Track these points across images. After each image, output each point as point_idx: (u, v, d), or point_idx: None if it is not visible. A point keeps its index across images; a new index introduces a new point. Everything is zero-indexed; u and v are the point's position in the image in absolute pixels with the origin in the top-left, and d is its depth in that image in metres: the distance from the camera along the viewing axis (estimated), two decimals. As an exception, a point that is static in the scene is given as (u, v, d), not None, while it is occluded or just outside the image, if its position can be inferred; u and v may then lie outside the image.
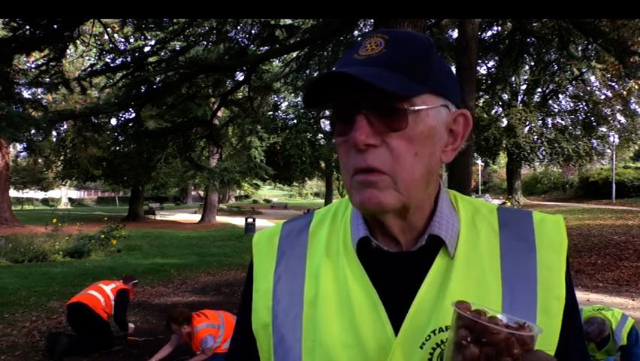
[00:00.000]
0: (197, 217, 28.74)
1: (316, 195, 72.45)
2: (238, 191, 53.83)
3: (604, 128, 28.43)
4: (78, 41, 8.72)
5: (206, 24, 10.35)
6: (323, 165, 32.25)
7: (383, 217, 0.70)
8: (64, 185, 40.14)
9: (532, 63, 16.01)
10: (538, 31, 10.87)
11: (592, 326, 3.76)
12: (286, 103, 32.32)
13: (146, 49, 12.37)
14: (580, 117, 28.71)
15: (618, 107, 26.75)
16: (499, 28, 15.05)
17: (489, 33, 15.51)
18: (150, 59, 9.83)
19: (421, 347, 0.66)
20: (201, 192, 40.22)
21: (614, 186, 26.31)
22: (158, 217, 30.67)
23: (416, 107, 0.66)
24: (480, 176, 51.71)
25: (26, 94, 11.50)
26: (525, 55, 10.89)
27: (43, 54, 8.52)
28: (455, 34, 12.49)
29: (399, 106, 0.65)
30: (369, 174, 0.66)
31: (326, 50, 9.88)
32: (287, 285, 0.75)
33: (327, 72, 0.65)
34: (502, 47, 11.24)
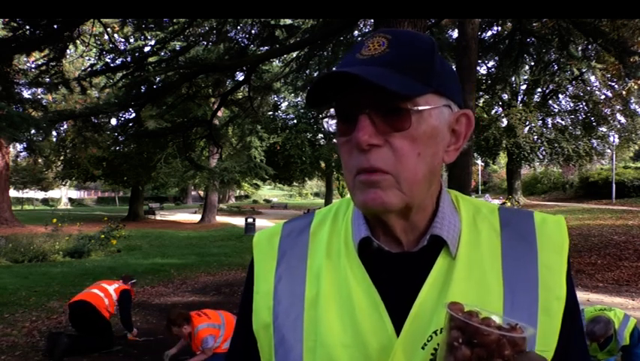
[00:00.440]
0: (197, 217, 28.74)
1: (316, 195, 72.44)
2: (238, 191, 53.83)
3: (604, 128, 28.43)
4: (78, 41, 8.71)
5: (206, 24, 10.34)
6: (323, 165, 32.23)
7: (386, 217, 0.70)
8: (64, 185, 40.14)
9: (532, 63, 16.02)
10: (538, 31, 10.87)
11: (598, 324, 3.76)
12: (286, 103, 32.31)
13: (146, 49, 12.37)
14: (580, 117, 28.71)
15: (618, 107, 26.75)
16: (499, 28, 15.05)
17: (489, 33, 15.50)
18: (150, 59, 9.83)
19: (423, 348, 0.66)
20: (201, 192, 40.23)
21: (614, 186, 26.31)
22: (158, 217, 30.67)
23: (419, 107, 0.66)
24: (480, 176, 51.71)
25: (26, 94, 11.50)
26: (525, 55, 10.89)
27: (43, 54, 8.51)
28: (455, 34, 12.49)
29: (402, 106, 0.65)
30: (372, 173, 0.66)
31: (326, 50, 9.88)
32: (288, 285, 0.75)
33: (330, 72, 0.64)
34: (502, 47, 11.23)
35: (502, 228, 0.74)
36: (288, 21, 10.64)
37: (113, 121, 14.17)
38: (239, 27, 10.18)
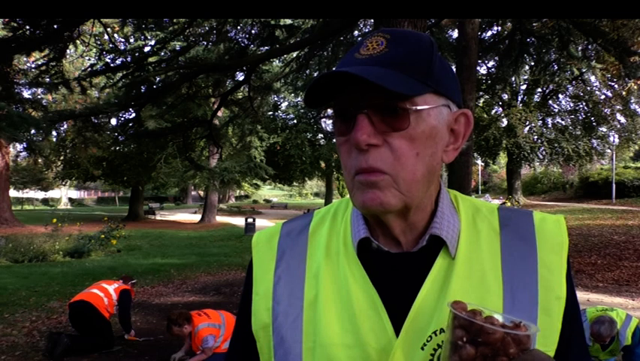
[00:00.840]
0: (197, 217, 28.74)
1: (316, 195, 72.44)
2: (238, 191, 53.82)
3: (604, 128, 28.41)
4: (78, 41, 8.72)
5: (206, 24, 10.35)
6: (323, 165, 32.22)
7: (385, 217, 0.70)
8: (64, 185, 40.11)
9: (532, 63, 15.98)
10: (538, 31, 10.86)
11: (603, 325, 3.76)
12: (286, 103, 32.33)
13: (146, 49, 12.39)
14: (580, 117, 28.69)
15: (618, 107, 26.72)
16: (499, 28, 15.06)
17: (489, 33, 15.53)
18: (150, 59, 9.84)
19: (422, 348, 0.66)
20: (201, 192, 40.23)
21: (614, 186, 26.32)
22: (158, 217, 30.67)
23: (418, 107, 0.66)
24: (480, 176, 51.69)
25: (26, 94, 11.50)
26: (525, 55, 10.88)
27: (43, 54, 8.51)
28: (455, 34, 12.51)
29: (401, 106, 0.65)
30: (371, 174, 0.65)
31: (326, 50, 9.88)
32: (287, 286, 0.75)
33: (329, 71, 0.64)
34: (502, 47, 11.24)
35: (502, 228, 0.74)
36: (288, 21, 10.64)
37: (113, 121, 14.18)
38: (239, 27, 10.19)
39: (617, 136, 28.06)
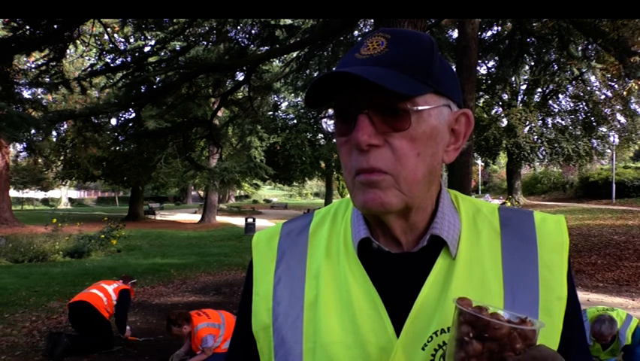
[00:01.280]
0: (197, 217, 28.74)
1: (316, 195, 72.45)
2: (238, 191, 53.82)
3: (604, 128, 28.42)
4: (78, 41, 8.72)
5: (206, 24, 10.36)
6: (323, 165, 32.23)
7: (385, 218, 0.69)
8: (64, 185, 40.13)
9: (532, 63, 16.00)
10: (538, 31, 10.87)
11: (603, 324, 3.77)
12: (286, 103, 32.34)
13: (146, 49, 12.39)
14: (580, 117, 28.70)
15: (618, 107, 26.73)
16: (499, 28, 15.07)
17: (489, 33, 15.55)
18: (150, 59, 9.84)
19: (423, 349, 0.66)
20: (201, 192, 40.23)
21: (614, 186, 26.33)
22: (158, 217, 30.67)
23: (419, 107, 0.65)
24: (480, 176, 51.70)
25: (26, 94, 11.50)
26: (525, 55, 10.88)
27: (43, 54, 8.51)
28: (455, 34, 12.51)
29: (402, 106, 0.65)
30: (372, 174, 0.65)
31: (326, 50, 9.88)
32: (287, 286, 0.74)
33: (329, 72, 0.64)
34: (502, 47, 11.24)
35: (502, 227, 0.74)
36: (288, 21, 10.65)
37: (113, 121, 14.19)
38: (239, 27, 10.19)
39: (617, 136, 28.07)
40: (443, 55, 0.71)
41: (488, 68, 23.59)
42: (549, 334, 0.68)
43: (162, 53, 10.84)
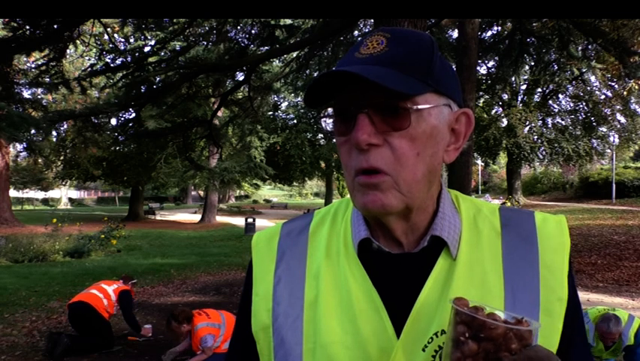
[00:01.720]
0: (197, 217, 28.73)
1: (316, 195, 72.44)
2: (238, 191, 53.82)
3: (604, 128, 28.41)
4: (78, 41, 8.71)
5: (206, 24, 10.36)
6: (323, 165, 32.23)
7: (386, 219, 0.69)
8: (64, 185, 40.13)
9: (532, 63, 15.99)
10: (538, 31, 10.86)
11: (610, 321, 3.78)
12: (286, 103, 32.35)
13: (146, 49, 12.39)
14: (580, 117, 28.70)
15: (618, 107, 26.73)
16: (499, 28, 15.07)
17: (489, 33, 15.54)
18: (150, 59, 9.84)
19: (424, 350, 0.65)
20: (201, 192, 40.23)
21: (614, 186, 26.32)
22: (158, 217, 30.67)
23: (419, 107, 0.65)
24: (480, 176, 51.69)
25: (26, 94, 11.49)
26: (525, 55, 10.88)
27: (43, 54, 8.51)
28: (455, 34, 12.51)
29: (402, 105, 0.64)
30: (372, 176, 0.65)
31: (326, 50, 9.88)
32: (287, 287, 0.74)
33: (329, 71, 0.64)
34: (502, 47, 11.24)
35: (503, 228, 0.74)
36: (288, 21, 10.65)
37: (113, 121, 14.18)
38: (239, 27, 10.19)
39: (617, 136, 28.07)
40: (443, 55, 0.70)
41: (488, 68, 23.59)
42: (549, 334, 0.68)
43: (162, 53, 10.84)
